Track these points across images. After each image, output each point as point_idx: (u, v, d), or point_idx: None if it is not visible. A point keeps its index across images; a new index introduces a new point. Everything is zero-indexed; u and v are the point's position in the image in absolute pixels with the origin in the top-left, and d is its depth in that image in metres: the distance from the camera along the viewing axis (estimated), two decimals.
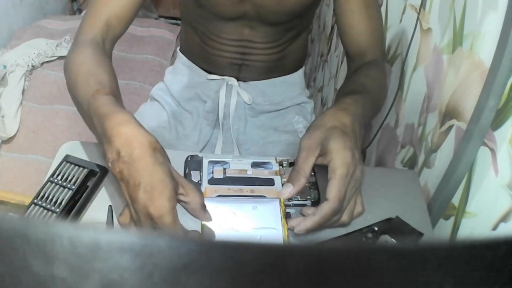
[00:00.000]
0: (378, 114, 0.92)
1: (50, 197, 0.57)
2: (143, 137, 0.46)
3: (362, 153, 1.02)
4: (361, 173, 0.54)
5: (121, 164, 0.45)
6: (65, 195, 0.57)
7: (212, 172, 0.60)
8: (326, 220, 0.51)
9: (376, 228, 0.56)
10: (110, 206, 0.57)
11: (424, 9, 0.77)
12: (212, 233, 0.52)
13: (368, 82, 0.67)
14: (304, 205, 0.59)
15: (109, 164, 0.47)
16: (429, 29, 0.75)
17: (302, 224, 0.51)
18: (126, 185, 0.46)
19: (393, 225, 0.55)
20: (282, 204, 0.56)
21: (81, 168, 0.60)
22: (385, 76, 0.76)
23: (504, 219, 0.50)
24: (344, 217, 0.54)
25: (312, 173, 0.61)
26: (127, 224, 0.49)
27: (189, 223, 0.53)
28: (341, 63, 1.38)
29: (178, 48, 0.97)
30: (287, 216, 0.55)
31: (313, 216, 0.51)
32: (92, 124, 0.52)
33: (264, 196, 0.57)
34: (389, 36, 0.96)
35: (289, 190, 0.53)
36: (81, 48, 0.63)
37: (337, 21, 0.77)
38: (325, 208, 0.50)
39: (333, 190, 0.50)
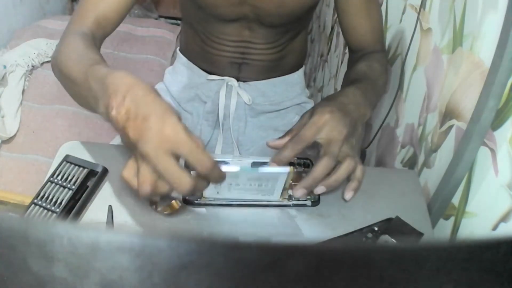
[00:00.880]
0: (379, 112, 0.92)
1: (50, 197, 0.57)
2: (143, 83, 0.48)
3: (362, 153, 1.03)
4: (344, 126, 0.57)
5: (128, 103, 0.46)
6: (65, 195, 0.57)
7: None
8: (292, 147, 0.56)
9: (376, 228, 0.56)
10: (110, 206, 0.57)
11: (424, 9, 0.77)
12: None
13: (367, 70, 0.73)
14: (304, 205, 0.59)
15: (113, 112, 0.47)
16: (429, 29, 0.75)
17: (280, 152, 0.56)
18: (134, 121, 0.45)
19: (393, 225, 0.55)
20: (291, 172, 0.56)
21: (81, 168, 0.60)
22: (385, 61, 0.80)
23: (504, 219, 0.50)
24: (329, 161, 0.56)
25: None
26: (131, 178, 0.48)
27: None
28: (341, 63, 1.38)
29: (178, 48, 0.97)
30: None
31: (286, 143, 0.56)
32: (90, 95, 0.52)
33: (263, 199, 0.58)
34: (389, 36, 0.96)
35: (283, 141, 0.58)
36: (70, 38, 0.63)
37: (339, 22, 0.82)
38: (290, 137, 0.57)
39: (300, 125, 0.59)
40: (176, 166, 0.45)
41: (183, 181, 0.45)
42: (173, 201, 0.53)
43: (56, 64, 0.62)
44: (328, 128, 0.56)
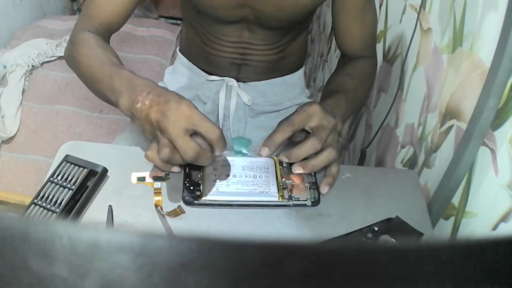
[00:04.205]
0: (379, 112, 0.92)
1: (50, 197, 0.57)
2: (162, 86, 0.58)
3: (362, 153, 1.03)
4: (333, 117, 0.61)
5: (152, 96, 0.56)
6: (65, 195, 0.57)
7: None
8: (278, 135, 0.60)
9: (376, 228, 0.56)
10: (110, 206, 0.57)
11: (424, 9, 0.77)
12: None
13: (346, 81, 0.75)
14: (304, 205, 0.59)
15: (138, 105, 0.56)
16: (429, 29, 0.75)
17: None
18: (157, 106, 0.55)
19: (393, 225, 0.55)
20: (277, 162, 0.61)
21: (81, 168, 0.60)
22: (371, 69, 0.81)
23: (504, 219, 0.50)
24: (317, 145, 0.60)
25: (312, 173, 0.62)
26: (154, 155, 0.57)
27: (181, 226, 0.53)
28: None
29: (178, 48, 0.97)
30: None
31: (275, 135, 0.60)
32: (112, 92, 0.60)
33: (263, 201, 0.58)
34: (389, 36, 0.96)
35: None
36: (83, 37, 0.69)
37: (333, 24, 0.82)
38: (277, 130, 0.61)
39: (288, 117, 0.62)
40: (186, 136, 0.53)
41: (190, 148, 0.53)
42: (177, 208, 0.55)
43: (75, 63, 0.68)
44: (318, 117, 0.60)
